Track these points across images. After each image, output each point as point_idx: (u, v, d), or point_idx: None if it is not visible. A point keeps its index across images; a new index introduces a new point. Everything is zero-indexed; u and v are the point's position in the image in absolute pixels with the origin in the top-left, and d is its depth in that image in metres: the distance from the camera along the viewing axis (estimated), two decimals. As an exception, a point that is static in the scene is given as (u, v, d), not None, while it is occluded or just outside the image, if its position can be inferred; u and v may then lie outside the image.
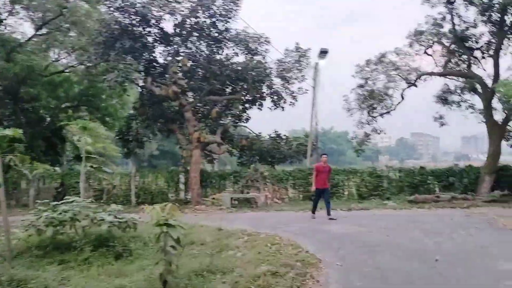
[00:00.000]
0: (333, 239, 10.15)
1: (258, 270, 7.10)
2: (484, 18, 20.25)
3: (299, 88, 20.49)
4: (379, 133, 22.76)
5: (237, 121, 21.77)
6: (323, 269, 7.48)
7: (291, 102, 20.29)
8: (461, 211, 14.94)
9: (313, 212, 13.82)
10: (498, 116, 19.10)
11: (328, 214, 13.34)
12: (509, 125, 19.36)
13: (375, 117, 22.40)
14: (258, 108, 20.82)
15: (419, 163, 43.84)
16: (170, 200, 18.17)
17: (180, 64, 19.21)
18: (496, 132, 18.36)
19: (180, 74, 19.40)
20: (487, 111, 18.75)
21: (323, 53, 22.77)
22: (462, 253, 8.52)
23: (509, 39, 19.64)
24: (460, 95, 22.58)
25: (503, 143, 19.61)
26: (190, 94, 20.98)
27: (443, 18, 21.69)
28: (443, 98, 23.04)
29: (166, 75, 19.23)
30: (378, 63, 22.05)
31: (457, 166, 19.92)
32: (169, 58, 19.87)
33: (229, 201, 16.80)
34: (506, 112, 18.30)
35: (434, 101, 23.36)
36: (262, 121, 26.23)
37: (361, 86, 22.34)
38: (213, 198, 17.47)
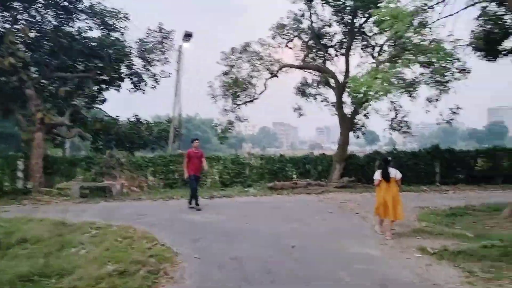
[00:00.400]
0: (193, 229, 9.60)
1: (103, 270, 6.15)
2: (338, 19, 21.87)
3: (162, 71, 19.37)
4: (242, 121, 22.98)
5: (91, 102, 19.63)
6: (179, 263, 6.87)
7: (152, 85, 19.09)
8: (315, 196, 15.81)
9: (191, 202, 12.87)
10: (348, 109, 20.87)
11: (191, 203, 12.74)
12: (355, 118, 21.27)
13: (239, 105, 22.53)
14: (116, 89, 19.09)
15: (279, 151, 46.19)
16: (4, 190, 15.50)
17: (21, 34, 16.39)
18: (346, 123, 20.01)
19: (21, 46, 16.58)
20: (339, 104, 20.29)
21: (188, 36, 21.99)
22: (317, 238, 8.76)
23: (358, 39, 21.51)
24: (316, 88, 24.15)
25: (351, 134, 21.53)
26: (34, 69, 18.17)
27: (303, 15, 22.79)
28: (302, 90, 24.33)
29: (2, 45, 16.25)
30: (243, 52, 22.16)
31: (312, 154, 21.22)
32: (7, 26, 16.83)
33: (79, 191, 14.96)
34: (354, 105, 20.04)
35: (294, 93, 24.54)
36: (125, 105, 24.36)
37: (226, 73, 22.21)
38: (59, 188, 15.36)
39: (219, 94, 22.47)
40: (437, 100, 21.51)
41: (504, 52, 18.18)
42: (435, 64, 20.22)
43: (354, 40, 21.34)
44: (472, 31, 18.33)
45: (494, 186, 17.98)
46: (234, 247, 7.96)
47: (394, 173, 8.88)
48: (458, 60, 19.91)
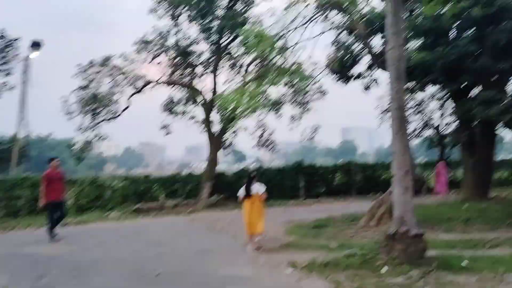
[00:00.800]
0: (37, 266, 8.01)
1: None
2: (204, 37, 21.82)
3: (3, 83, 16.67)
4: (103, 140, 21.11)
5: None
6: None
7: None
8: (184, 217, 15.03)
9: (51, 230, 10.77)
10: (216, 127, 20.73)
11: (52, 232, 10.79)
12: (223, 137, 21.23)
13: (99, 122, 20.70)
14: None
15: (146, 171, 43.98)
16: None
17: None
18: (214, 142, 19.78)
19: None
20: (207, 122, 20.01)
21: (36, 45, 19.51)
22: (185, 262, 8.04)
23: (225, 58, 21.71)
24: (184, 106, 23.57)
25: (221, 152, 21.42)
26: None
27: (168, 32, 22.21)
28: (169, 108, 23.50)
29: None
30: (103, 65, 20.52)
31: (180, 173, 20.42)
32: None
33: None
34: (222, 123, 19.98)
35: (161, 111, 23.55)
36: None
37: (83, 88, 20.27)
38: None
39: (75, 110, 20.39)
40: (300, 118, 22.77)
41: (354, 77, 20.16)
42: (296, 85, 21.55)
43: (222, 58, 21.44)
44: (328, 55, 19.94)
45: (351, 198, 19.49)
46: (86, 282, 6.76)
47: (257, 188, 8.97)
48: (316, 82, 21.60)
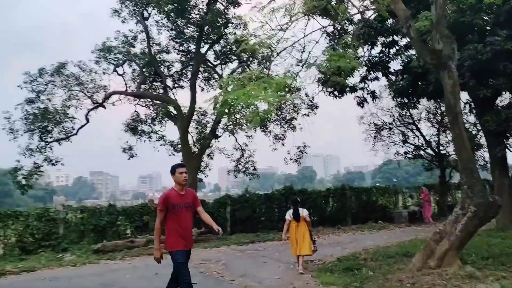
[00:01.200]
0: None
1: None
2: (177, 45, 19.25)
3: None
4: (55, 164, 17.57)
5: None
6: None
7: None
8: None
9: None
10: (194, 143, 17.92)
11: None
12: (203, 158, 18.34)
13: (49, 142, 17.23)
14: None
15: (98, 202, 39.47)
16: None
17: None
18: (193, 163, 16.84)
19: None
20: (184, 140, 17.10)
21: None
22: None
23: (204, 66, 19.12)
24: (150, 126, 20.56)
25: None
26: None
27: (135, 37, 19.42)
28: (133, 127, 20.39)
29: None
30: (55, 74, 17.24)
31: (152, 202, 17.13)
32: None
33: None
34: (203, 140, 17.18)
35: (123, 130, 20.40)
36: None
37: (30, 101, 16.84)
38: None
39: (21, 128, 16.91)
40: (283, 138, 20.40)
41: (349, 88, 18.10)
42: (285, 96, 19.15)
43: (200, 66, 18.84)
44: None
45: (350, 228, 17.01)
46: None
47: (301, 212, 9.35)
48: (306, 95, 19.39)
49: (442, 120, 20.47)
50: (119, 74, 19.26)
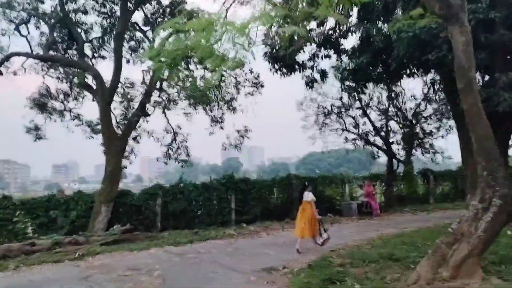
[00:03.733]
0: None
1: None
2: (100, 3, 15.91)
3: None
4: None
5: None
6: None
7: None
8: (73, 267, 8.92)
9: None
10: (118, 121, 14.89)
11: None
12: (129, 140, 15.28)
13: None
14: None
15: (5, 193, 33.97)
16: None
17: None
18: (116, 146, 13.77)
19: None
20: (105, 117, 13.93)
21: None
22: None
23: (131, 32, 15.99)
24: (63, 102, 16.95)
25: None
26: None
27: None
28: (41, 103, 16.65)
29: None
30: None
31: (62, 194, 13.78)
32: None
33: None
34: (132, 118, 14.17)
35: (28, 107, 16.56)
36: None
37: None
38: None
39: None
40: (222, 121, 17.97)
41: (298, 66, 16.18)
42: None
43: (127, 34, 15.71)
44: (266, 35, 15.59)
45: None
46: None
47: (307, 196, 9.63)
48: (251, 71, 17.09)
49: (389, 107, 19.48)
50: (22, 35, 15.49)
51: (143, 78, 15.80)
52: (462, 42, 6.57)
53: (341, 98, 19.19)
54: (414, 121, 20.11)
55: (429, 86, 14.73)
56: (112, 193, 13.20)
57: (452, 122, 19.51)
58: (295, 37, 15.25)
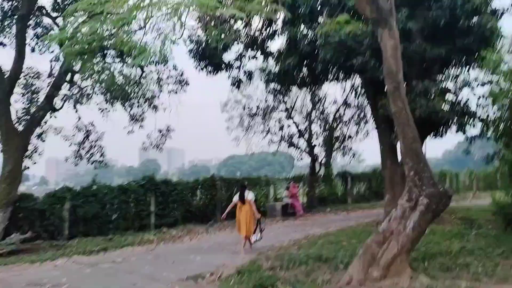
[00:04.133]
0: None
1: None
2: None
3: None
4: None
5: None
6: None
7: None
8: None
9: None
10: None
11: None
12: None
13: None
14: None
15: None
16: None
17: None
18: (15, 143, 12.13)
19: None
20: (3, 110, 12.21)
21: None
22: None
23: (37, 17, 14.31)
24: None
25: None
26: None
27: None
28: None
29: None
30: None
31: None
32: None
33: None
34: (38, 112, 12.61)
35: None
36: None
37: None
38: None
39: None
40: (142, 119, 16.94)
41: (225, 65, 15.74)
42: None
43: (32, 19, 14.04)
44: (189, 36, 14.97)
45: (222, 224, 14.64)
46: None
47: (247, 195, 9.92)
48: (175, 67, 16.29)
49: (312, 111, 19.88)
50: None
51: (51, 69, 14.29)
52: (391, 46, 6.65)
53: (266, 100, 19.18)
54: (334, 125, 20.75)
55: (350, 91, 15.29)
56: (11, 197, 11.58)
57: (369, 127, 20.54)
58: (222, 36, 15.00)
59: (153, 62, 15.55)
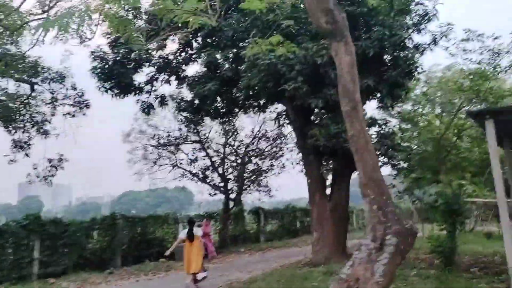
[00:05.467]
0: None
1: None
2: None
3: None
4: None
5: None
6: None
7: None
8: None
9: None
10: None
11: None
12: None
13: None
14: None
15: None
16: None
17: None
18: None
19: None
20: None
21: None
22: None
23: None
24: None
25: None
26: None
27: None
28: None
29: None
30: None
31: None
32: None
33: None
34: None
35: None
36: None
37: None
38: None
39: None
40: (28, 146, 14.37)
41: (134, 88, 14.07)
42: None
43: None
44: (94, 52, 13.15)
45: (125, 271, 12.46)
46: None
47: (196, 232, 9.78)
48: (74, 87, 14.10)
49: (226, 143, 18.80)
50: None
51: None
52: (347, 62, 5.91)
53: (180, 129, 17.61)
54: (246, 159, 19.84)
55: (275, 119, 14.64)
56: None
57: (284, 159, 20.07)
58: (133, 55, 13.43)
59: (47, 79, 13.45)
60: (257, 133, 19.45)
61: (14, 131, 13.20)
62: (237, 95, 13.25)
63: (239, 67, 12.02)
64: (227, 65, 12.48)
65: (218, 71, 12.84)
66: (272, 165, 19.74)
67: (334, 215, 10.79)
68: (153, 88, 14.64)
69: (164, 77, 14.58)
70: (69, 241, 12.66)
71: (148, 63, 13.98)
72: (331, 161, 12.71)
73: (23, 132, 14.02)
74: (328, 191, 11.49)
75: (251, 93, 11.81)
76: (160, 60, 14.21)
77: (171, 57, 14.43)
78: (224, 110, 14.91)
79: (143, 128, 18.91)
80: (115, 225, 14.06)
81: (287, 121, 13.51)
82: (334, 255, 10.30)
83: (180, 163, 18.97)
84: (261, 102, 13.58)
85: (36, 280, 11.28)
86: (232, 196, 18.89)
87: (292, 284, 7.82)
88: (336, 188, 11.27)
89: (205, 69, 13.56)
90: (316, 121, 11.27)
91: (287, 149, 19.84)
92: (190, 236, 9.53)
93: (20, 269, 11.42)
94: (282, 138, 19.48)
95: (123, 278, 11.27)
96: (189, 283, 9.57)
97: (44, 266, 11.83)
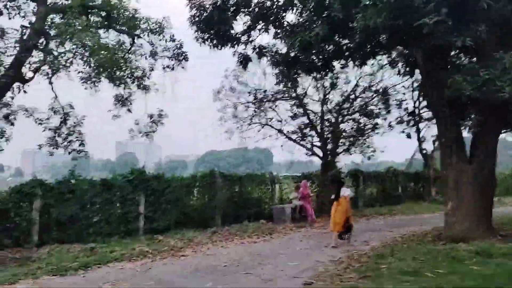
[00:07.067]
0: None
1: None
2: None
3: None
4: None
5: None
6: None
7: None
8: None
9: None
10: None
11: None
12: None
13: None
14: None
15: None
16: None
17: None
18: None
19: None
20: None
21: None
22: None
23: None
24: None
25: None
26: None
27: None
28: None
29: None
30: None
31: None
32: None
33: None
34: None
35: None
36: None
37: None
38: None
39: None
40: (129, 102, 14.30)
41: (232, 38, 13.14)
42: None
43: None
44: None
45: (226, 231, 12.01)
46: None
47: (344, 192, 9.62)
48: (172, 38, 13.58)
49: (326, 97, 17.28)
50: None
51: (21, 35, 11.36)
52: None
53: (277, 83, 16.37)
54: (344, 116, 18.07)
55: (401, 64, 12.87)
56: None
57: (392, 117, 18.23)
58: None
59: (147, 29, 13.01)
60: (356, 87, 17.57)
61: (116, 85, 13.03)
62: (344, 42, 11.71)
63: (352, 8, 10.36)
64: (336, 5, 10.84)
65: (325, 14, 11.30)
66: (376, 124, 17.86)
67: (476, 182, 9.02)
68: (250, 39, 13.61)
69: (262, 26, 13.44)
70: (171, 198, 12.52)
71: (246, 9, 12.90)
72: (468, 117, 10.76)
73: (124, 88, 13.92)
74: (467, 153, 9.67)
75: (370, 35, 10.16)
76: (259, 4, 13.03)
77: (268, 3, 13.20)
78: (322, 62, 13.44)
79: (234, 85, 18.01)
80: (214, 183, 13.68)
81: (407, 69, 11.68)
82: (476, 230, 8.71)
83: (270, 121, 17.83)
84: (376, 49, 11.84)
85: (142, 235, 11.27)
86: (329, 157, 17.44)
87: (438, 264, 6.51)
88: (480, 150, 9.36)
89: (308, 12, 12.07)
90: (453, 67, 9.39)
91: (396, 105, 17.93)
92: (337, 195, 9.50)
93: (127, 224, 11.49)
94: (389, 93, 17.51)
95: (228, 239, 10.77)
96: (334, 239, 9.50)
97: (148, 222, 11.81)
